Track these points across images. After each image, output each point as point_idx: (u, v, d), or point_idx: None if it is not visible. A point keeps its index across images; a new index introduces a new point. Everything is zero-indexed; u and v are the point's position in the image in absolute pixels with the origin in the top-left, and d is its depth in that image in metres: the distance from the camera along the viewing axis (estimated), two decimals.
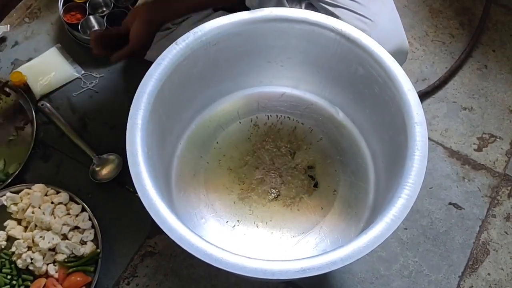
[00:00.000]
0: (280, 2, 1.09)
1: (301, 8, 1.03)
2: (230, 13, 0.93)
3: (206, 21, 0.84)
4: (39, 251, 0.97)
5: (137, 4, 1.08)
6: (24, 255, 0.96)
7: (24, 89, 1.19)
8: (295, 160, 0.95)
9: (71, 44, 1.27)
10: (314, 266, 0.65)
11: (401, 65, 0.98)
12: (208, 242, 0.67)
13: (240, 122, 0.98)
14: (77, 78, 1.22)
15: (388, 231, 0.68)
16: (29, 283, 0.96)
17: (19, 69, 1.21)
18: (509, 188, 1.11)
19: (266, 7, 1.07)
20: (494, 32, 1.31)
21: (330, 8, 0.99)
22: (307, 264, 0.65)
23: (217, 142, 0.97)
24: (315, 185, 0.93)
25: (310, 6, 1.06)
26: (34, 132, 1.12)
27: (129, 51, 0.94)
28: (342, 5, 0.97)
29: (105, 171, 1.10)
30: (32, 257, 0.96)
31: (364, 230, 0.69)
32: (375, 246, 0.66)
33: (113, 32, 0.99)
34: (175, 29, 1.06)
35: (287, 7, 1.05)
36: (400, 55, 0.95)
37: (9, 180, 1.06)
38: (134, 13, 0.94)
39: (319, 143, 0.97)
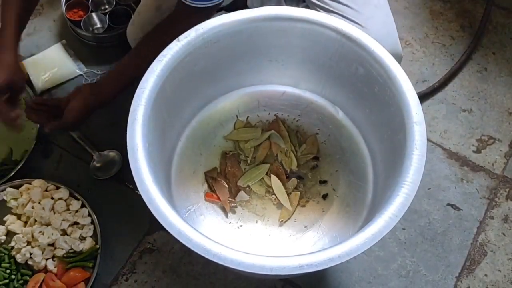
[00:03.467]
0: (280, 3, 1.10)
1: None
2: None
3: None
4: (38, 246, 0.97)
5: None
6: (23, 250, 0.96)
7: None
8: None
9: (73, 41, 1.27)
10: (312, 263, 0.65)
11: None
12: (207, 238, 0.67)
13: (239, 120, 0.99)
14: (79, 75, 1.23)
15: (386, 229, 0.68)
16: (27, 278, 0.96)
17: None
18: (507, 189, 1.11)
19: None
20: (494, 34, 1.32)
21: (324, 13, 0.99)
22: (305, 260, 0.65)
23: (217, 140, 0.97)
24: (324, 197, 0.91)
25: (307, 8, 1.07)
26: (36, 128, 1.12)
27: (61, 125, 0.95)
28: (335, 10, 0.99)
29: (105, 168, 1.10)
30: (31, 252, 0.97)
31: (362, 228, 0.69)
32: (372, 243, 0.67)
33: (52, 102, 0.99)
34: None
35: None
36: None
37: (19, 166, 1.06)
38: (77, 91, 0.95)
39: (319, 142, 0.97)
